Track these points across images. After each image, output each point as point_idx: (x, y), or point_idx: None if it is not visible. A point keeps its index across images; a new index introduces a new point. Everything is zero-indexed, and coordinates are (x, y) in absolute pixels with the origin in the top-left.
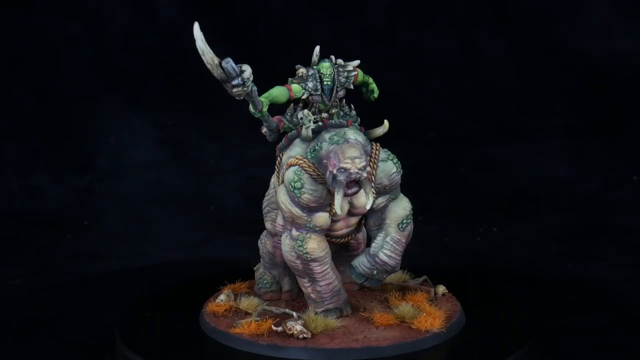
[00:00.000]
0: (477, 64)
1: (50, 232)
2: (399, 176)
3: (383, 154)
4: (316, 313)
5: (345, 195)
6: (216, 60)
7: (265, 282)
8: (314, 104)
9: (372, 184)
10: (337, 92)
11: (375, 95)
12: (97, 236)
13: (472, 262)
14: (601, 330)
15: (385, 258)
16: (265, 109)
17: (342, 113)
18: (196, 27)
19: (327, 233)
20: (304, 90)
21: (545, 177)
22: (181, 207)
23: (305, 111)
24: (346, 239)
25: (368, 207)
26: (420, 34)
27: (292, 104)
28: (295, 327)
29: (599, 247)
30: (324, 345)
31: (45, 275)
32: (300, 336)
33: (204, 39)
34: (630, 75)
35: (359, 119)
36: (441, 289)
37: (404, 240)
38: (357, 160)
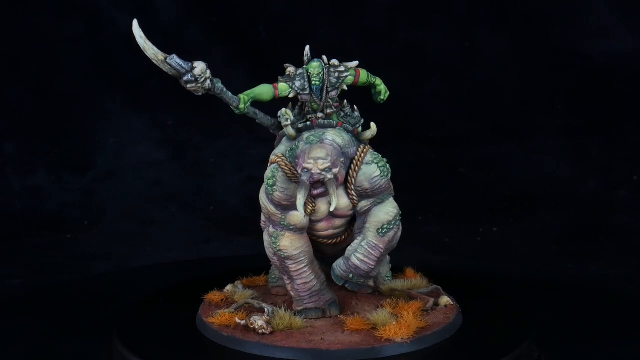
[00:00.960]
0: (477, 64)
1: (50, 232)
2: (384, 180)
3: (369, 156)
4: (296, 311)
5: (313, 195)
6: (160, 56)
7: (273, 276)
8: (306, 104)
9: (352, 186)
10: (327, 92)
11: (382, 97)
12: (97, 236)
13: (472, 262)
14: (601, 330)
15: (357, 262)
16: (243, 106)
17: (342, 114)
18: (135, 24)
19: (312, 233)
20: (290, 89)
21: (545, 177)
22: (181, 207)
23: (284, 109)
24: (335, 240)
25: (332, 209)
26: (420, 34)
27: (298, 103)
28: (257, 322)
29: (599, 247)
30: (276, 343)
31: (45, 275)
32: (260, 331)
33: (143, 36)
34: (630, 75)
35: (362, 120)
36: (444, 300)
37: (381, 246)
38: (320, 161)
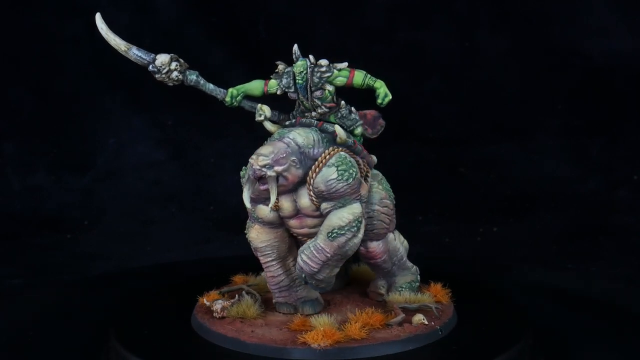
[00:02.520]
0: (477, 64)
1: (50, 232)
2: (341, 185)
3: (334, 159)
4: (274, 302)
5: (260, 190)
6: (122, 47)
7: None
8: (298, 102)
9: (311, 187)
10: (311, 92)
11: (380, 101)
12: (97, 236)
13: (472, 262)
14: (600, 330)
15: (301, 262)
16: (229, 99)
17: (339, 115)
18: (98, 17)
19: (292, 230)
20: (277, 87)
21: (545, 177)
22: (181, 207)
23: (259, 105)
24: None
25: (270, 205)
26: (420, 34)
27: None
28: (216, 306)
29: (599, 247)
30: (213, 327)
31: (45, 275)
32: (215, 315)
33: (105, 28)
34: (630, 75)
35: (360, 122)
36: (417, 318)
37: (328, 250)
38: (260, 158)
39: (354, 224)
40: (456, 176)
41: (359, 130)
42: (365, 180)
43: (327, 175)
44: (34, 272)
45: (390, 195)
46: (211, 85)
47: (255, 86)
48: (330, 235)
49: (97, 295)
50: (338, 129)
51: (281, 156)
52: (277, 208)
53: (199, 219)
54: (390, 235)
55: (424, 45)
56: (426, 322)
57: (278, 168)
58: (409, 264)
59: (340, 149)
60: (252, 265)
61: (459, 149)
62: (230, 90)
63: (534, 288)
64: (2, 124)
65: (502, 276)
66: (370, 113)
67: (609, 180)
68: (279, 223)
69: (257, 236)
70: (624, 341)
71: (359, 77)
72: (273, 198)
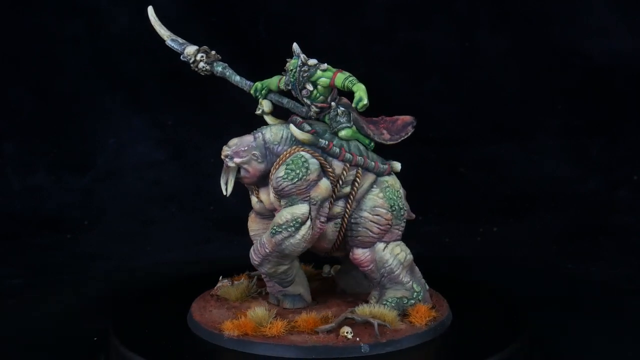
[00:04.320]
0: (477, 64)
1: (50, 232)
2: (286, 183)
3: (291, 158)
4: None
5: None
6: (165, 37)
7: None
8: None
9: (270, 182)
10: (299, 89)
11: (354, 105)
12: (97, 236)
13: (472, 262)
14: (600, 330)
15: (250, 251)
16: (252, 91)
17: (330, 116)
18: (150, 10)
19: None
20: (284, 83)
21: (545, 177)
22: (181, 207)
23: (260, 99)
24: None
25: (226, 194)
26: (420, 34)
27: None
28: (217, 289)
29: (599, 247)
30: (197, 309)
31: (45, 275)
32: (214, 297)
33: (154, 19)
34: (630, 75)
35: (346, 125)
36: (343, 330)
37: (268, 246)
38: (224, 147)
39: (291, 224)
40: (456, 176)
41: (343, 133)
42: (337, 184)
43: (278, 172)
44: (34, 272)
45: (394, 205)
46: (237, 77)
47: (273, 81)
48: (271, 232)
49: (97, 295)
50: (292, 127)
51: (242, 149)
52: (259, 200)
53: (199, 219)
54: (379, 246)
55: (424, 45)
56: (349, 337)
57: (237, 160)
58: (406, 279)
59: (303, 148)
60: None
61: (459, 149)
62: (255, 84)
63: (533, 288)
64: (2, 124)
65: (501, 276)
66: (404, 119)
67: (609, 180)
68: (268, 215)
69: (250, 225)
70: (623, 341)
71: (340, 78)
72: (229, 188)
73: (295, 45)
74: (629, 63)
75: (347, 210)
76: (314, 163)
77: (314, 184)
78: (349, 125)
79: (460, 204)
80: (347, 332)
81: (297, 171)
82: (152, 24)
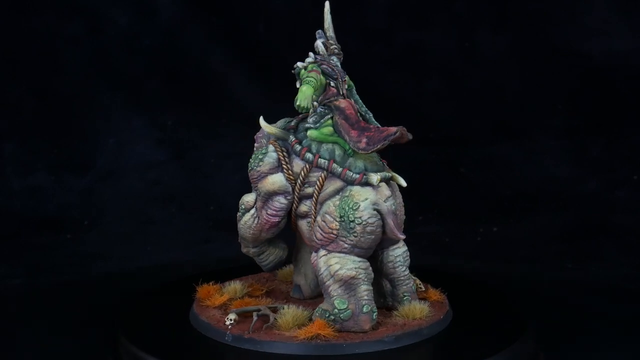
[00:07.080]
0: (478, 64)
1: (50, 232)
2: (249, 170)
3: (261, 149)
4: None
5: None
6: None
7: None
8: None
9: None
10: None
11: (295, 102)
12: (97, 236)
13: (472, 262)
14: (599, 330)
15: None
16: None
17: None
18: (327, 4)
19: None
20: None
21: (545, 177)
22: (181, 207)
23: None
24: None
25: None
26: (420, 34)
27: None
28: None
29: (599, 247)
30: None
31: (45, 275)
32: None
33: (329, 18)
34: (630, 75)
35: (311, 125)
36: (231, 316)
37: (238, 226)
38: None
39: (240, 208)
40: (456, 176)
41: (308, 133)
42: (296, 183)
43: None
44: (34, 272)
45: (344, 216)
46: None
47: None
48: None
49: (97, 295)
50: (260, 120)
51: (259, 135)
52: None
53: (199, 219)
54: (320, 252)
55: (424, 45)
56: (227, 323)
57: (256, 145)
58: (334, 293)
59: (272, 141)
60: (253, 265)
61: (459, 149)
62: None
63: (533, 288)
64: (2, 124)
65: (501, 276)
66: (389, 130)
67: (609, 180)
68: None
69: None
70: (622, 341)
71: (303, 75)
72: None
73: (317, 43)
74: (629, 63)
75: (314, 211)
76: (270, 157)
77: (264, 176)
78: (314, 126)
79: (460, 204)
80: (228, 319)
81: (251, 162)
82: (325, 20)
